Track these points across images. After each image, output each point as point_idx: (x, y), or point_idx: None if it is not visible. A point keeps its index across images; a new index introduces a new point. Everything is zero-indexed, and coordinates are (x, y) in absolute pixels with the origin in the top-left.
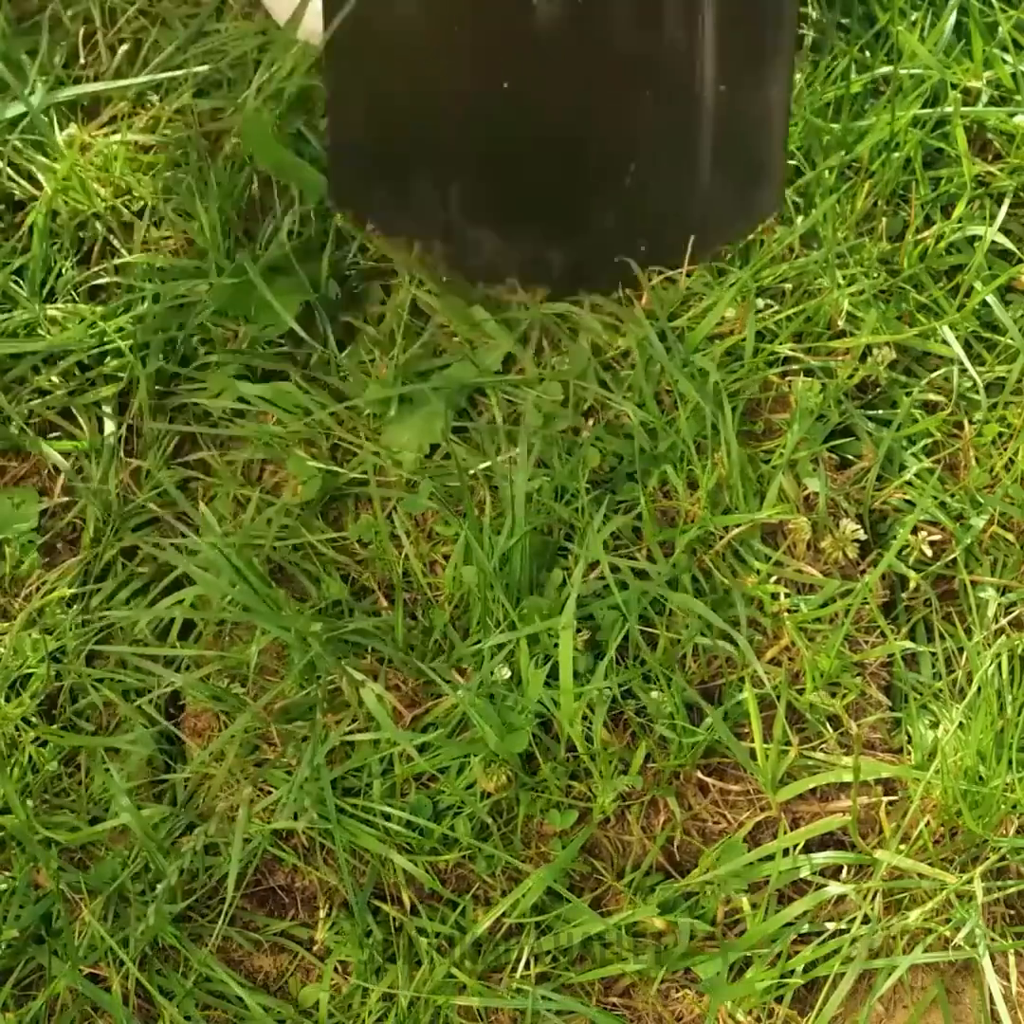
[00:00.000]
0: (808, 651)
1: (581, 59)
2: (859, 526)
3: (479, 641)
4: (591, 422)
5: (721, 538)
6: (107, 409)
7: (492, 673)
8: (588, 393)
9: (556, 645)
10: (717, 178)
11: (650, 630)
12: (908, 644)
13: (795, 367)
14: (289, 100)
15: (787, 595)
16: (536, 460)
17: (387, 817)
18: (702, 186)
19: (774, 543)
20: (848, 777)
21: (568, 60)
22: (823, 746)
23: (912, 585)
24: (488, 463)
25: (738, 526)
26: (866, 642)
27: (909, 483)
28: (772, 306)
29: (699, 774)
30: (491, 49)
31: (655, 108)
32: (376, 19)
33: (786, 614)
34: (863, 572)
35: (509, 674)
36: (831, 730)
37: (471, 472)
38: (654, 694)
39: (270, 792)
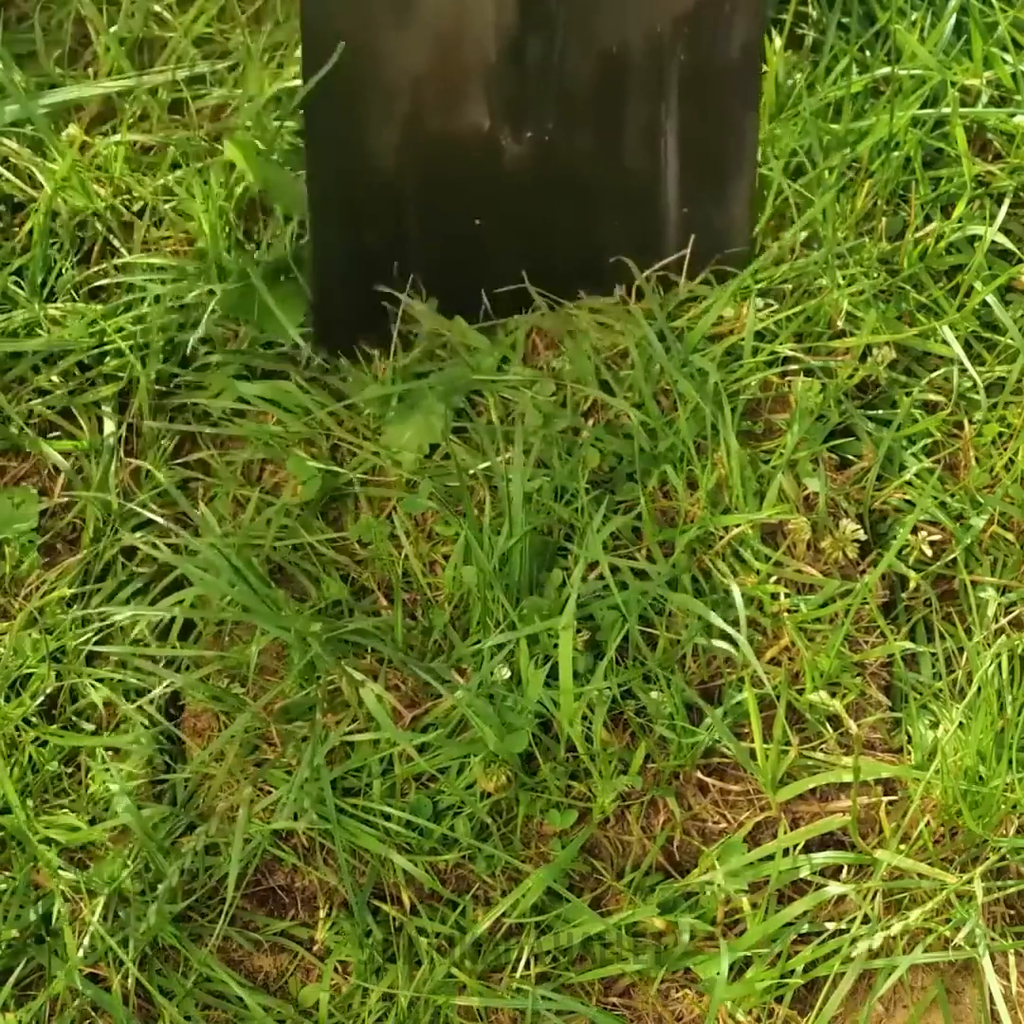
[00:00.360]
0: (808, 651)
1: (549, 192)
2: (859, 526)
3: (479, 641)
4: (591, 422)
5: (721, 538)
6: (107, 409)
7: (492, 673)
8: (588, 393)
9: (556, 645)
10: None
11: (650, 630)
12: (908, 644)
13: (795, 367)
14: (289, 103)
15: (787, 595)
16: (536, 460)
17: (387, 817)
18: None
19: (774, 543)
20: (848, 777)
21: (536, 196)
22: (823, 746)
23: (912, 585)
24: (487, 463)
25: (738, 526)
26: (866, 642)
27: (909, 483)
28: (772, 306)
29: (699, 774)
30: (463, 192)
31: (622, 232)
32: (355, 173)
33: (786, 614)
34: (863, 572)
35: (509, 674)
36: (831, 730)
37: (471, 472)
38: (654, 694)
39: (270, 792)
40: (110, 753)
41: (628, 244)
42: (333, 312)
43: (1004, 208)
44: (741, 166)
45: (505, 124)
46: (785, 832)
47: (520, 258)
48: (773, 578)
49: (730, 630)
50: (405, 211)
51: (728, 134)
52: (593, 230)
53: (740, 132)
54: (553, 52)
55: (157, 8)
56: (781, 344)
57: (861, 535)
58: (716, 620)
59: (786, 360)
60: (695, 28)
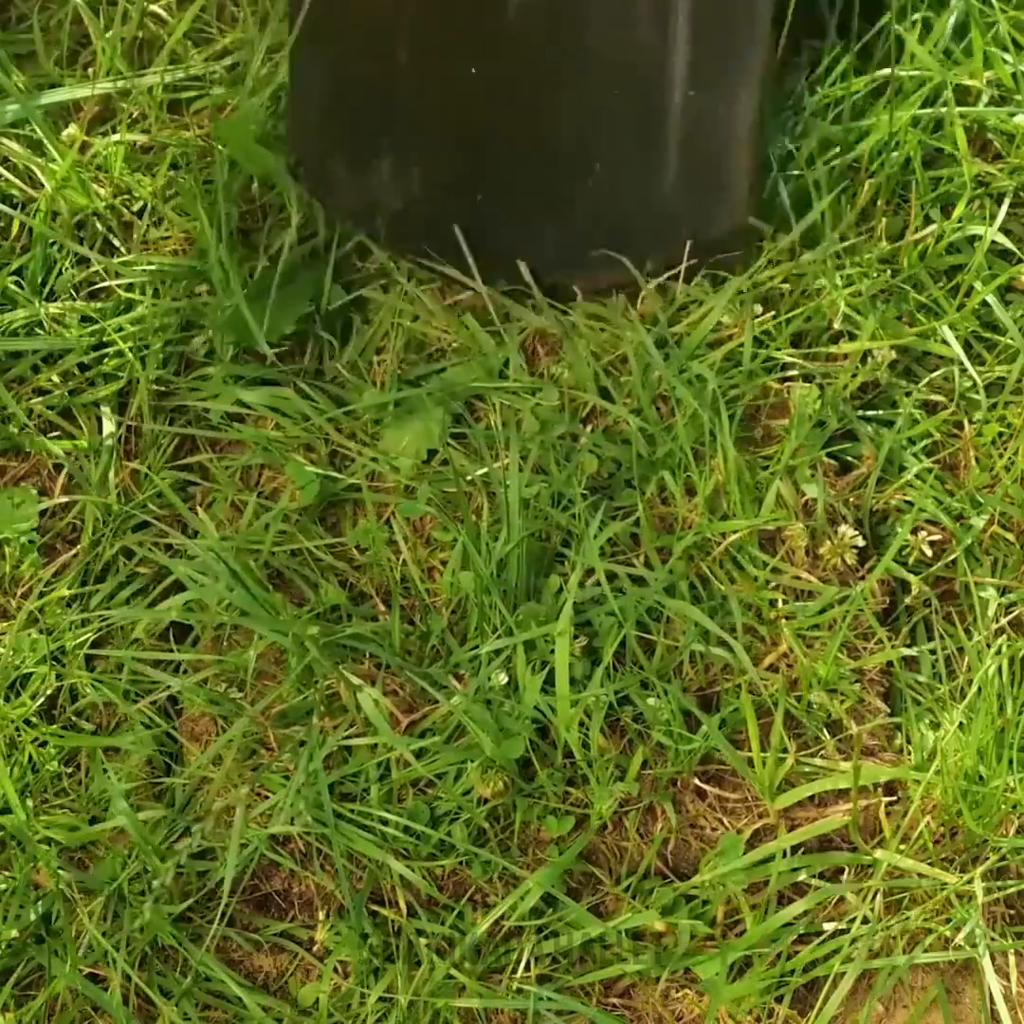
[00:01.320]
0: (806, 658)
1: (551, 52)
2: (857, 532)
3: (476, 647)
4: (589, 428)
5: (719, 544)
6: (106, 409)
7: (489, 679)
8: (586, 399)
9: (553, 651)
10: (681, 187)
11: (647, 636)
12: (906, 651)
13: (794, 373)
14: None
15: (785, 602)
16: (534, 466)
17: (384, 822)
18: (665, 194)
19: (772, 549)
20: (846, 783)
21: (538, 52)
22: (822, 752)
23: (914, 590)
24: (485, 469)
25: (736, 532)
26: (864, 648)
27: (909, 484)
28: (771, 310)
29: (697, 781)
30: (461, 34)
31: (623, 108)
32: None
33: (784, 621)
34: (862, 578)
35: (506, 680)
36: (829, 736)
37: (469, 478)
38: (651, 700)
39: (267, 797)
40: (110, 753)
41: (630, 119)
42: (313, 137)
43: (1004, 208)
44: (750, 60)
45: None
46: (785, 834)
47: (512, 116)
48: (771, 584)
49: (727, 637)
50: (399, 51)
51: (740, 24)
52: (594, 102)
53: (752, 26)
54: None
55: (155, 8)
56: (779, 349)
57: (859, 541)
58: (713, 627)
59: (785, 365)
60: None
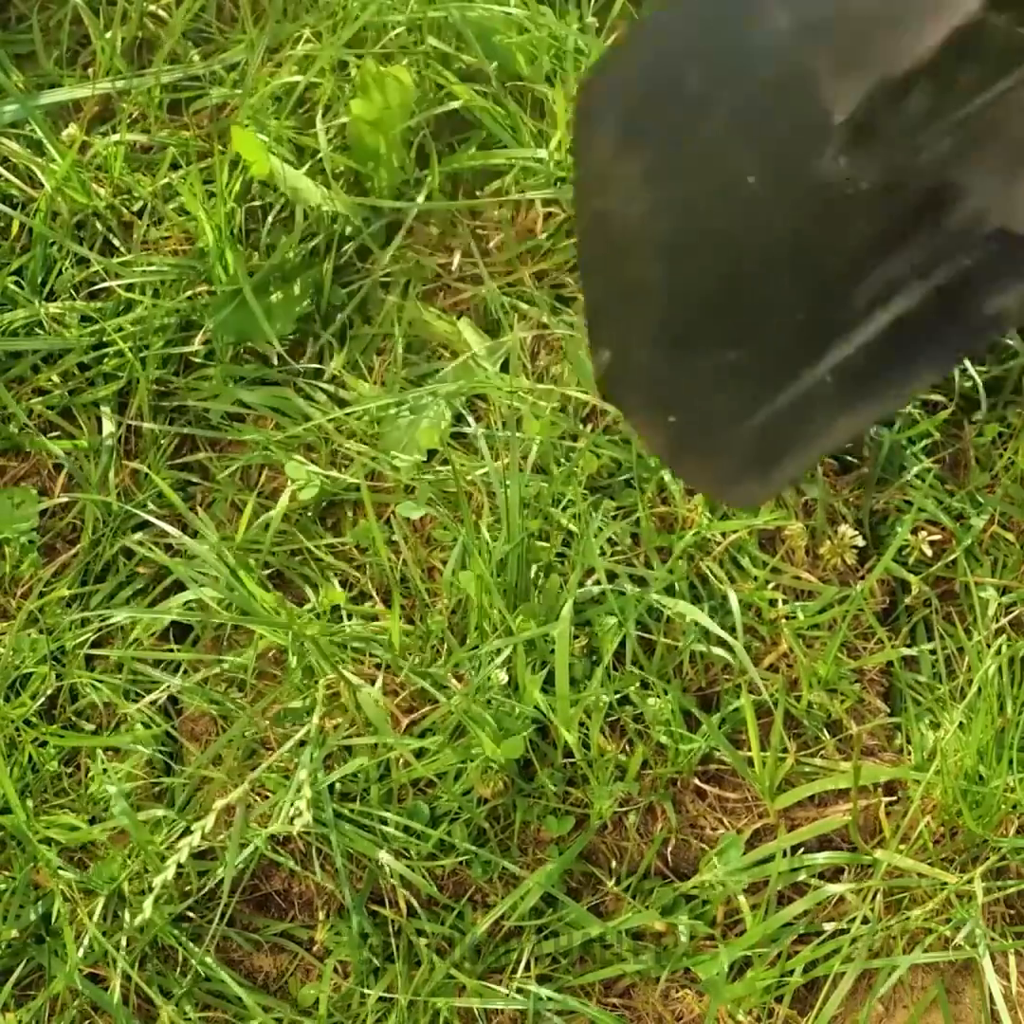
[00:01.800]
0: (806, 658)
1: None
2: (857, 532)
3: (476, 646)
4: (589, 428)
5: (719, 544)
6: (106, 409)
7: (489, 678)
8: (586, 399)
9: (553, 651)
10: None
11: (647, 636)
12: (905, 651)
13: None
14: (290, 100)
15: (785, 601)
16: (534, 466)
17: (384, 822)
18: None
19: (772, 549)
20: (846, 783)
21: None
22: (822, 752)
23: (914, 590)
24: (485, 469)
25: (735, 532)
26: (864, 648)
27: (910, 484)
28: None
29: (697, 781)
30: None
31: (768, 355)
32: None
33: (784, 621)
34: (862, 578)
35: (506, 680)
36: (829, 736)
37: (469, 478)
38: (651, 700)
39: (267, 797)
40: (110, 753)
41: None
42: None
43: None
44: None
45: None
46: (785, 834)
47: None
48: (771, 584)
49: (727, 636)
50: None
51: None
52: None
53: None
54: None
55: (155, 8)
56: None
57: (859, 541)
58: (713, 626)
59: None
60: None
